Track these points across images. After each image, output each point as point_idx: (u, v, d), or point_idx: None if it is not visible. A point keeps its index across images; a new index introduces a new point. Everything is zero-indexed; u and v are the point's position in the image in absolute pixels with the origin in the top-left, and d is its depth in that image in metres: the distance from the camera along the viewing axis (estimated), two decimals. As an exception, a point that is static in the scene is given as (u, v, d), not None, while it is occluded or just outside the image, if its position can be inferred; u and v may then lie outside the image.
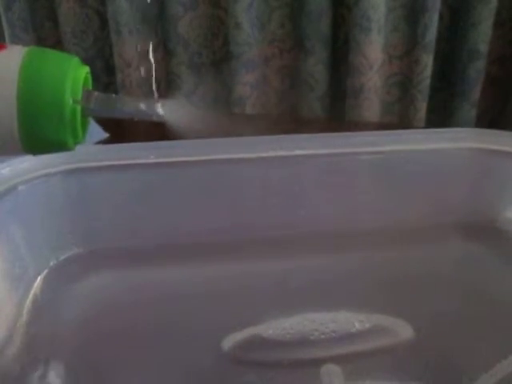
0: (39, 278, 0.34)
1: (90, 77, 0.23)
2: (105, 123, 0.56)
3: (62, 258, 0.36)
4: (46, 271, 0.35)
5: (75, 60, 0.22)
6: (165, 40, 0.74)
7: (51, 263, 0.35)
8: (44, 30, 0.75)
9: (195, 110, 0.25)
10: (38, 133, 0.21)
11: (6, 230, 0.33)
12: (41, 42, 0.75)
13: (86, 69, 0.23)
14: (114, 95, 0.23)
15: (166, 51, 0.75)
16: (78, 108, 0.21)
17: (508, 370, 0.27)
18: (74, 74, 0.21)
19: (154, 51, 0.74)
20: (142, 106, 0.23)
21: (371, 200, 0.39)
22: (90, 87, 0.23)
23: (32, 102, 0.21)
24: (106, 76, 0.77)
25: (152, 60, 0.74)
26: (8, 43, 0.22)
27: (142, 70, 0.74)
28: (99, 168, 0.36)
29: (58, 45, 0.74)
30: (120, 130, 0.61)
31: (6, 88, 0.20)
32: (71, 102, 0.21)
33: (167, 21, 0.73)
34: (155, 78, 0.76)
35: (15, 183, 0.33)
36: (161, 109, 0.23)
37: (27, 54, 0.21)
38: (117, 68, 0.73)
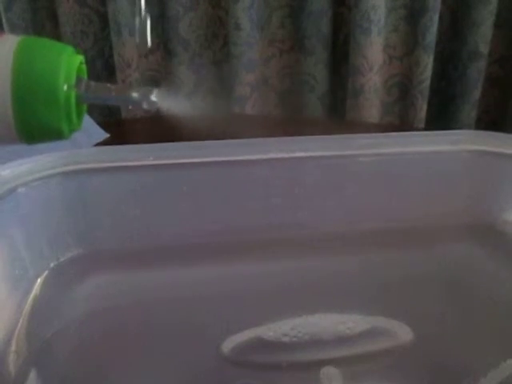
0: (39, 279, 0.34)
1: (85, 67, 0.23)
2: (105, 124, 0.56)
3: (62, 259, 0.36)
4: (45, 273, 0.35)
5: (69, 48, 0.22)
6: (165, 40, 0.74)
7: (51, 265, 0.35)
8: (44, 31, 0.75)
9: (189, 100, 0.25)
10: (33, 119, 0.21)
11: (6, 231, 0.33)
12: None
13: (81, 57, 0.22)
14: (108, 84, 0.23)
15: (166, 52, 0.75)
16: (73, 94, 0.21)
17: (509, 372, 0.27)
18: (68, 61, 0.21)
19: (154, 52, 0.74)
20: (136, 93, 0.23)
21: (371, 202, 0.39)
22: (86, 76, 0.23)
23: (26, 88, 0.20)
24: (105, 76, 0.77)
25: (152, 60, 0.74)
26: (3, 32, 0.22)
27: (142, 71, 0.74)
28: (98, 170, 0.36)
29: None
30: (120, 131, 0.61)
31: None
32: (65, 87, 0.21)
33: (167, 21, 0.73)
34: (155, 78, 0.76)
35: (15, 185, 0.33)
36: (154, 96, 0.23)
37: (21, 42, 0.21)
38: (117, 68, 0.73)
